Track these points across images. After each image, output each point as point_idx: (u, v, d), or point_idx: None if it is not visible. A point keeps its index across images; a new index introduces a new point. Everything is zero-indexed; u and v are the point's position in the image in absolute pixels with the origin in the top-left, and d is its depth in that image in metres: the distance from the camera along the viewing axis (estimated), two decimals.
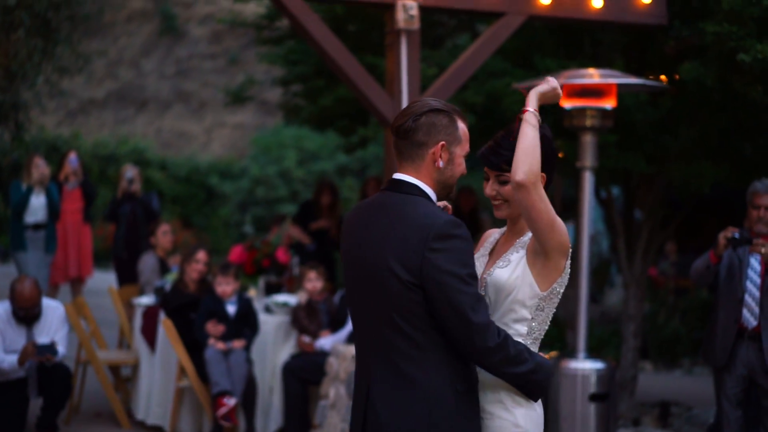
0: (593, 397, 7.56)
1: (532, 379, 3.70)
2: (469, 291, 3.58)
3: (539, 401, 3.82)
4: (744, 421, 7.08)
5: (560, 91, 3.87)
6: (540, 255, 3.77)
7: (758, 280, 6.90)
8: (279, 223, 10.89)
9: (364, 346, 3.82)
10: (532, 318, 3.81)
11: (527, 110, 3.77)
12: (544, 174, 3.77)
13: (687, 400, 10.27)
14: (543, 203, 3.65)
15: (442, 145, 3.75)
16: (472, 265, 3.65)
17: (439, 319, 3.63)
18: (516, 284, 3.79)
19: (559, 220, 3.72)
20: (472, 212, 12.43)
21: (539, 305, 3.81)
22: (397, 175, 3.81)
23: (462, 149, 3.81)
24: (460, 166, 3.82)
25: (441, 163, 3.75)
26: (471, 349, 3.62)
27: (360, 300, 3.80)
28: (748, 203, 7.03)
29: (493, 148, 3.88)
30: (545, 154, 3.77)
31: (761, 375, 6.89)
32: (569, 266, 3.84)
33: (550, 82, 3.87)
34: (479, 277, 3.89)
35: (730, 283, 7.03)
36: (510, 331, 3.79)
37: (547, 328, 3.88)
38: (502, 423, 3.77)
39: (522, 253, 3.83)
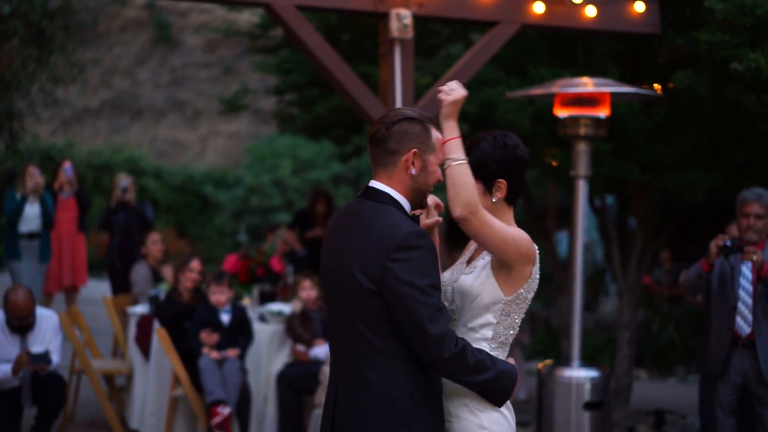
0: (588, 406, 7.56)
1: (494, 387, 3.76)
2: (428, 302, 3.63)
3: (509, 405, 3.88)
4: (737, 430, 7.08)
5: (461, 89, 3.90)
6: (504, 266, 3.84)
7: (750, 288, 6.91)
8: (273, 232, 10.89)
9: (334, 351, 3.91)
10: (498, 322, 3.87)
11: (447, 140, 3.82)
12: (504, 180, 3.90)
13: (682, 408, 10.28)
14: (487, 227, 3.74)
15: (414, 153, 3.79)
16: (434, 276, 3.69)
17: (398, 328, 3.68)
18: (480, 290, 3.86)
19: (513, 233, 3.80)
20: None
21: (504, 310, 3.86)
22: (372, 183, 3.87)
23: (436, 157, 3.85)
24: (434, 174, 3.86)
25: (413, 171, 3.80)
26: (428, 358, 3.68)
27: (331, 306, 3.89)
28: (737, 212, 7.05)
29: None
30: (504, 162, 3.90)
31: (755, 383, 6.90)
32: (537, 271, 3.89)
33: (451, 92, 3.89)
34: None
35: (722, 292, 7.04)
36: (476, 335, 3.86)
37: (515, 332, 3.93)
38: (467, 425, 3.83)
39: (487, 259, 3.90)
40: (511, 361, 3.89)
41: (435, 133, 3.86)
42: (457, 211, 3.71)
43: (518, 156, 3.93)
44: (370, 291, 3.68)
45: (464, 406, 3.84)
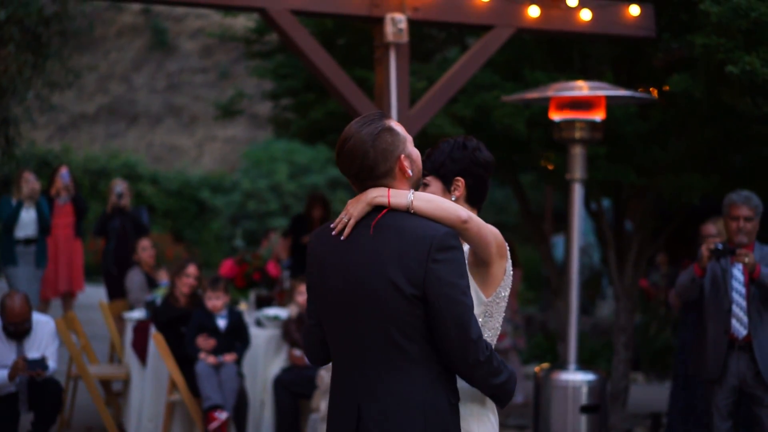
0: (584, 409, 7.56)
1: (507, 389, 3.76)
2: (467, 302, 3.62)
3: (492, 408, 3.91)
4: None
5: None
6: (481, 264, 3.84)
7: (743, 290, 6.91)
8: (268, 237, 10.88)
9: (350, 362, 3.76)
10: (483, 325, 3.86)
11: (390, 199, 3.71)
12: (461, 179, 4.00)
13: None
14: (483, 226, 3.76)
15: (403, 158, 3.75)
16: (468, 277, 3.70)
17: (437, 332, 3.62)
18: None
19: (490, 227, 3.82)
20: None
21: (487, 311, 3.87)
22: None
23: (410, 142, 3.81)
24: (418, 156, 3.85)
25: (410, 172, 3.78)
26: (463, 361, 3.62)
27: (347, 316, 3.74)
28: (726, 215, 7.04)
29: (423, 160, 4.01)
30: (462, 161, 4.01)
31: (753, 384, 6.90)
32: (510, 267, 3.92)
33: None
34: None
35: (716, 296, 7.04)
36: None
37: (497, 334, 3.96)
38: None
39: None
40: None
41: (395, 124, 3.78)
42: (464, 216, 3.68)
43: (476, 157, 4.03)
44: (411, 295, 3.60)
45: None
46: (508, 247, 3.89)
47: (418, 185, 3.87)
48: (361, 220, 3.74)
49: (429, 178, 4.04)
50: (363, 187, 3.76)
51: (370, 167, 3.71)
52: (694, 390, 8.33)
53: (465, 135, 4.12)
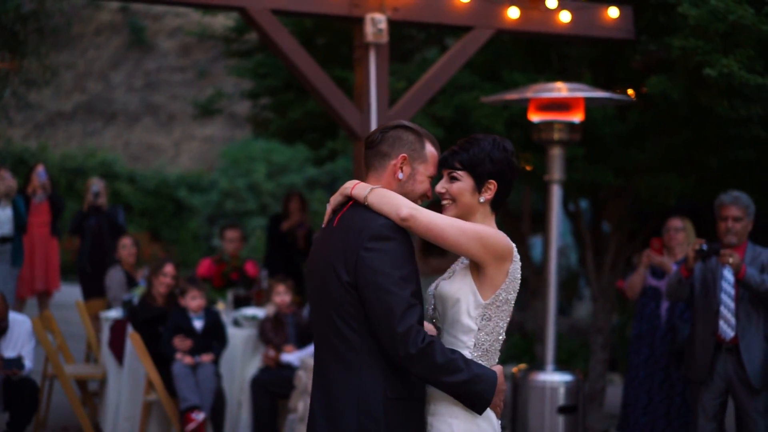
0: (562, 410, 7.58)
1: (468, 390, 3.69)
2: (398, 293, 3.63)
3: (485, 415, 3.80)
4: None
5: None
6: (477, 265, 3.81)
7: (732, 291, 6.93)
8: (224, 236, 10.77)
9: (316, 354, 3.94)
10: (479, 329, 3.81)
11: (353, 187, 3.87)
12: (495, 182, 3.89)
13: None
14: (438, 221, 3.73)
15: (404, 158, 3.86)
16: (407, 269, 3.69)
17: (370, 322, 3.69)
18: (458, 294, 3.82)
19: (476, 228, 3.78)
20: None
21: (485, 314, 3.81)
22: None
23: (426, 168, 3.90)
24: (422, 184, 3.91)
25: (401, 175, 3.86)
26: (394, 354, 3.66)
27: (313, 305, 3.91)
28: (716, 216, 7.08)
29: (453, 150, 3.96)
30: (500, 163, 3.88)
31: (739, 387, 6.91)
32: (517, 270, 3.83)
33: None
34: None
35: (705, 297, 7.06)
36: (458, 344, 3.81)
37: (500, 339, 3.85)
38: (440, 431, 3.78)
39: (466, 263, 3.88)
40: (498, 368, 3.82)
41: (430, 148, 3.91)
42: (402, 213, 3.70)
43: (512, 162, 3.93)
44: (346, 283, 3.70)
45: (438, 415, 3.80)
46: (514, 251, 3.81)
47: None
48: (338, 212, 3.88)
49: (461, 173, 3.89)
50: (363, 158, 3.94)
51: (378, 140, 3.90)
52: (652, 383, 8.33)
53: (501, 137, 3.97)
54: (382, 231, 3.70)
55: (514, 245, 3.83)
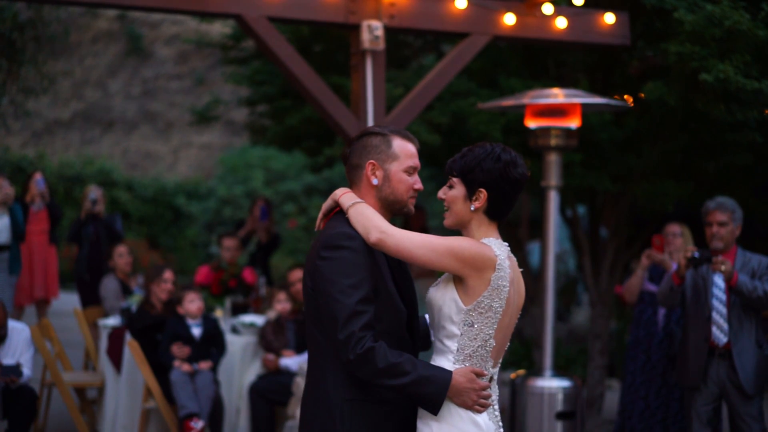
0: (560, 416, 7.58)
1: (415, 392, 3.75)
2: (344, 301, 3.74)
3: (470, 418, 3.81)
4: None
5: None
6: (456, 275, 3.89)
7: (724, 297, 6.94)
8: (222, 244, 10.82)
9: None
10: (462, 334, 3.84)
11: (340, 195, 3.99)
12: (485, 191, 3.89)
13: None
14: (406, 242, 3.80)
15: (372, 164, 3.96)
16: (357, 277, 3.77)
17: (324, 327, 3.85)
18: (441, 301, 3.89)
19: (448, 242, 3.80)
20: (422, 230, 12.49)
21: (467, 320, 3.83)
22: None
23: (400, 164, 3.97)
24: (402, 183, 3.98)
25: (375, 181, 3.96)
26: (339, 357, 3.78)
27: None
28: (703, 222, 7.12)
29: (453, 158, 4.01)
30: (491, 173, 3.87)
31: (733, 392, 6.92)
32: (501, 278, 3.83)
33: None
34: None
35: (696, 303, 7.08)
36: (443, 348, 3.88)
37: (488, 345, 3.86)
38: None
39: None
40: (466, 369, 3.82)
41: (398, 142, 3.98)
42: (372, 238, 3.80)
43: (507, 173, 3.89)
44: (310, 289, 3.86)
45: (423, 417, 3.85)
46: (498, 260, 3.81)
47: (392, 205, 3.98)
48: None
49: (454, 180, 3.94)
50: (346, 173, 4.05)
51: (347, 154, 4.04)
52: (648, 389, 8.34)
53: (504, 145, 3.96)
54: (334, 240, 3.82)
55: (498, 254, 3.83)
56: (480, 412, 3.83)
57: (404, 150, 3.98)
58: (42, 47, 13.49)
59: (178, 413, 8.11)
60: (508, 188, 3.91)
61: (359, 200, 3.91)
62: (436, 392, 3.74)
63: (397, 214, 4.02)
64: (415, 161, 4.00)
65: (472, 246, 3.81)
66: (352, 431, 3.82)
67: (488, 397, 3.85)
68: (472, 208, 3.91)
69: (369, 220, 3.82)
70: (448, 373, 3.78)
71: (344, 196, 3.95)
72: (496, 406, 3.94)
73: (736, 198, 7.47)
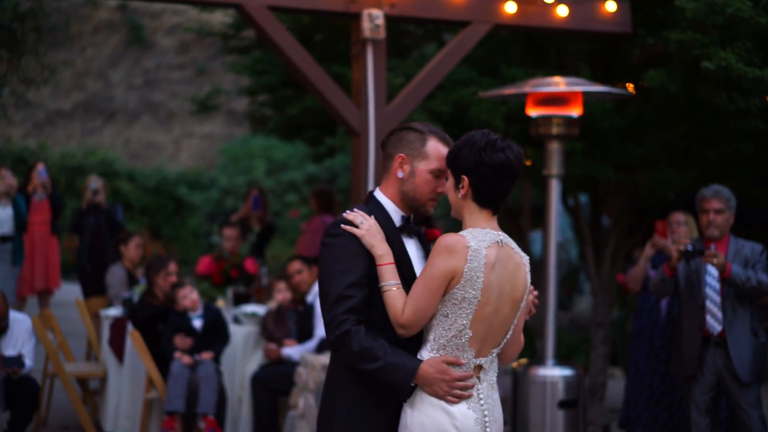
0: (562, 404, 7.58)
1: (385, 378, 3.87)
2: (332, 285, 3.89)
3: (442, 406, 3.85)
4: (711, 428, 7.12)
5: (369, 220, 4.04)
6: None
7: (717, 286, 6.93)
8: (222, 233, 10.82)
9: None
10: (437, 324, 3.91)
11: (379, 265, 3.95)
12: (466, 178, 3.92)
13: None
14: (419, 310, 3.86)
15: (401, 157, 4.03)
16: (347, 263, 3.90)
17: None
18: None
19: (428, 275, 3.86)
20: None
21: (441, 311, 3.90)
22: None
23: (428, 164, 4.02)
24: (426, 184, 4.04)
25: (400, 174, 4.03)
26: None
27: None
28: (698, 210, 7.10)
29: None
30: (466, 160, 3.90)
31: (729, 381, 6.92)
32: (475, 270, 3.84)
33: (362, 226, 4.02)
34: None
35: (690, 292, 7.07)
36: (425, 338, 3.95)
37: (462, 335, 3.88)
38: (401, 420, 3.94)
39: (424, 262, 4.09)
40: (438, 359, 3.85)
41: (433, 143, 4.03)
42: (399, 332, 3.89)
43: (482, 157, 3.88)
44: None
45: (407, 403, 3.92)
46: (470, 252, 3.83)
47: (411, 202, 4.07)
48: None
49: (448, 171, 4.01)
50: (383, 156, 4.17)
51: (384, 143, 4.15)
52: (653, 376, 8.35)
53: (489, 131, 3.97)
54: (332, 228, 3.98)
55: (471, 245, 3.84)
56: (453, 402, 3.86)
57: (436, 151, 4.04)
58: (43, 38, 13.45)
59: (164, 406, 8.10)
60: (487, 173, 3.89)
61: (390, 284, 3.91)
62: (404, 380, 3.84)
63: (414, 211, 4.10)
64: (442, 165, 4.04)
65: (437, 262, 3.85)
66: (346, 408, 3.96)
67: (467, 387, 3.87)
68: (459, 196, 3.97)
69: (395, 312, 3.89)
70: (417, 363, 3.85)
71: (384, 269, 3.95)
72: (483, 395, 3.93)
73: (738, 186, 7.47)
